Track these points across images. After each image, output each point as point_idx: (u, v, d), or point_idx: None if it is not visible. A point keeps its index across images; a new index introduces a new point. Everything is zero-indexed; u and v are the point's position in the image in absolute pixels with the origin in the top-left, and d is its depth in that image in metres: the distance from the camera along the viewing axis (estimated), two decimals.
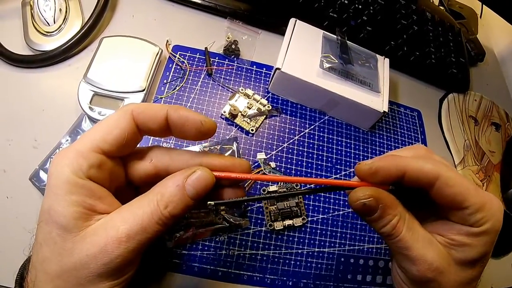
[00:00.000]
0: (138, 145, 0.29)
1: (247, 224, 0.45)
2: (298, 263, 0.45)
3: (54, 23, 0.50)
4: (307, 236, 0.46)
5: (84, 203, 0.23)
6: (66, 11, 0.52)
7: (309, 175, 0.50)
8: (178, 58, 0.52)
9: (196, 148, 0.47)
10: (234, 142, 0.47)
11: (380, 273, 0.47)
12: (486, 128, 0.65)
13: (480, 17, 0.80)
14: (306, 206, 0.47)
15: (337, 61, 0.50)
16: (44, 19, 0.50)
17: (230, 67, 0.54)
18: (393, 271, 0.31)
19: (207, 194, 0.26)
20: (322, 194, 0.49)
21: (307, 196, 0.48)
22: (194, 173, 0.25)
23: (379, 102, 0.51)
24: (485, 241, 0.27)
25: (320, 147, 0.52)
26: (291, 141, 0.51)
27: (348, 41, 0.54)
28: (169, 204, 0.24)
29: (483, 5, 0.75)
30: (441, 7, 0.76)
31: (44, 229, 0.24)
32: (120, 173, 0.28)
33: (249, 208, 0.46)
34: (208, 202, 0.27)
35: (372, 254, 0.48)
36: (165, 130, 0.27)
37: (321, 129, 0.53)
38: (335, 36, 0.54)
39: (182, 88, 0.50)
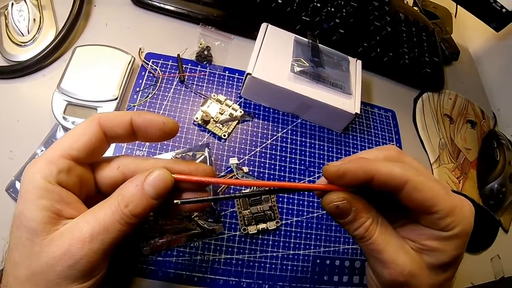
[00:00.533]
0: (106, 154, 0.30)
1: (221, 229, 0.45)
2: (273, 266, 0.45)
3: (28, 33, 0.50)
4: (281, 239, 0.47)
5: (52, 207, 0.24)
6: (40, 21, 0.52)
7: (282, 178, 0.50)
8: (150, 65, 0.52)
9: (168, 155, 0.47)
10: (206, 148, 0.48)
11: (356, 273, 0.48)
12: (462, 126, 0.66)
13: (455, 16, 0.81)
14: (279, 210, 0.48)
15: (308, 65, 0.51)
16: (18, 29, 0.50)
17: (202, 73, 0.54)
18: (367, 274, 0.32)
19: (170, 196, 0.27)
20: (296, 196, 0.49)
21: (273, 196, 0.48)
22: (152, 173, 0.26)
23: (351, 104, 0.51)
24: (456, 245, 0.27)
25: (293, 151, 0.52)
26: (264, 145, 0.52)
27: (319, 44, 0.55)
28: (129, 203, 0.25)
29: (457, 5, 0.76)
30: (415, 8, 0.77)
31: (15, 234, 0.24)
32: (90, 180, 0.28)
33: (223, 213, 0.46)
34: (175, 201, 0.27)
35: (348, 255, 0.49)
36: (131, 135, 0.29)
37: (294, 133, 0.54)
38: (307, 40, 0.55)
39: (155, 96, 0.51)
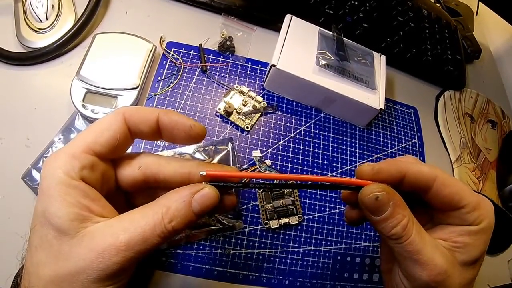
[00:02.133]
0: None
1: (241, 226, 0.44)
2: (294, 261, 0.45)
3: (47, 19, 0.49)
4: (303, 235, 0.46)
5: (78, 204, 0.23)
6: (58, 8, 0.51)
7: (305, 172, 0.49)
8: (172, 54, 0.51)
9: (190, 148, 0.46)
10: (229, 143, 0.47)
11: (377, 271, 0.47)
12: (482, 126, 0.65)
13: (476, 14, 0.80)
14: (302, 205, 0.47)
15: (333, 58, 0.50)
16: (37, 15, 0.49)
17: (225, 63, 0.53)
18: (393, 280, 0.31)
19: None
20: (318, 192, 0.48)
21: (303, 190, 0.48)
22: (202, 190, 0.25)
23: (375, 99, 0.50)
24: (484, 239, 0.27)
25: (316, 145, 0.52)
26: (286, 138, 0.51)
27: (344, 38, 0.54)
28: (174, 218, 0.24)
29: (479, 2, 0.75)
30: (437, 4, 0.75)
31: (40, 232, 0.23)
32: (111, 176, 0.27)
33: (245, 207, 0.45)
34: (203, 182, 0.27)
35: (368, 252, 0.48)
36: (156, 133, 0.27)
37: (317, 127, 0.53)
38: (331, 33, 0.53)
39: (176, 85, 0.50)
